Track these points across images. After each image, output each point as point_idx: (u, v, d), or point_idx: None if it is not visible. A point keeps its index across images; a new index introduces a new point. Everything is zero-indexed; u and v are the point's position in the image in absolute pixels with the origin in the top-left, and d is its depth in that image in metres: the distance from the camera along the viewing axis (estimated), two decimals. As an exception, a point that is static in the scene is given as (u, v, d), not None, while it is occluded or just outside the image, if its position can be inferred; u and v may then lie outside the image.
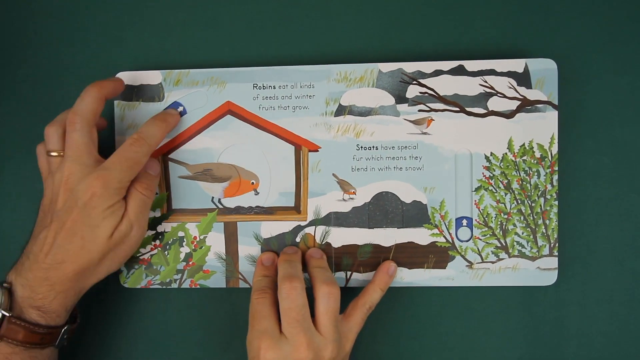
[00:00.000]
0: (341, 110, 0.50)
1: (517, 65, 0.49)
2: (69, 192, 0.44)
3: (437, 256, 0.50)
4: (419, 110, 0.50)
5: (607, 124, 0.51)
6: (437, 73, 0.50)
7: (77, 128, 0.45)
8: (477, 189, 0.50)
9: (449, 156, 0.50)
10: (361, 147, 0.50)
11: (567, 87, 0.50)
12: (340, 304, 0.46)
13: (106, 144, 0.53)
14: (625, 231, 0.51)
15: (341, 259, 0.51)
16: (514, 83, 0.49)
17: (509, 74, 0.49)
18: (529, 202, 0.50)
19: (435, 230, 0.50)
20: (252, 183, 0.51)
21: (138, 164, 0.46)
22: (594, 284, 0.51)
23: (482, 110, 0.50)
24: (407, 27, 0.52)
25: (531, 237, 0.50)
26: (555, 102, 0.49)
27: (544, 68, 0.49)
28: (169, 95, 0.51)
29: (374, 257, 0.51)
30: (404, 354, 0.52)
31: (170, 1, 0.53)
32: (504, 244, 0.50)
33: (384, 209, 0.50)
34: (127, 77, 0.51)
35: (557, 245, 0.50)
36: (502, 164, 0.50)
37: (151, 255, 0.52)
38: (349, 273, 0.51)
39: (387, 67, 0.50)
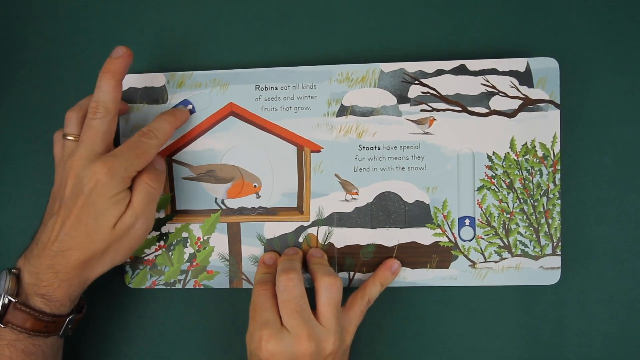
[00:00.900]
0: (343, 111, 0.50)
1: (518, 64, 0.49)
2: (75, 177, 0.44)
3: (440, 256, 0.50)
4: (421, 110, 0.50)
5: (608, 123, 0.51)
6: (439, 73, 0.50)
7: (99, 117, 0.45)
8: (480, 189, 0.50)
9: (451, 156, 0.50)
10: (363, 147, 0.50)
11: (569, 86, 0.50)
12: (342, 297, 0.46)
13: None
14: (626, 231, 0.51)
15: (344, 259, 0.51)
16: (516, 82, 0.49)
17: (511, 73, 0.49)
18: (532, 201, 0.50)
19: (438, 230, 0.50)
20: (255, 186, 0.51)
21: (146, 154, 0.45)
22: (595, 284, 0.51)
23: (484, 110, 0.50)
24: (409, 26, 0.52)
25: (534, 236, 0.50)
26: (557, 101, 0.49)
27: (545, 67, 0.49)
28: (173, 97, 0.51)
29: (377, 257, 0.51)
30: (404, 354, 0.52)
31: (172, 3, 0.53)
32: (507, 244, 0.50)
33: (386, 209, 0.50)
34: (131, 79, 0.51)
35: (559, 244, 0.49)
36: (504, 163, 0.50)
37: (156, 256, 0.52)
38: (351, 273, 0.51)
39: (389, 67, 0.50)
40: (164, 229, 0.52)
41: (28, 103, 0.54)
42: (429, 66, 0.50)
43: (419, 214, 0.50)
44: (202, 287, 0.52)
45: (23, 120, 0.54)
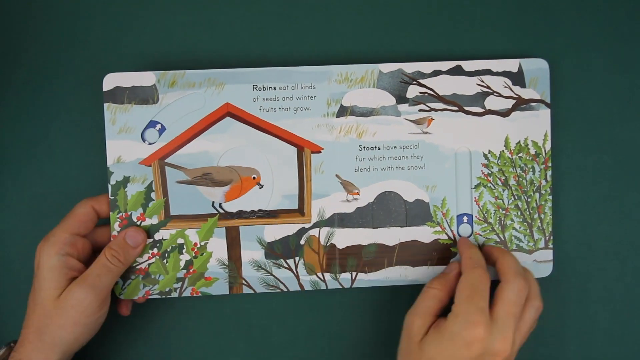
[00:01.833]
0: (343, 111, 0.50)
1: (511, 65, 0.51)
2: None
3: (440, 253, 0.51)
4: (420, 110, 0.51)
5: (598, 122, 0.53)
6: (436, 73, 0.51)
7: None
8: (477, 186, 0.51)
9: (449, 155, 0.51)
10: (364, 147, 0.50)
11: (560, 86, 0.52)
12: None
13: (97, 148, 0.50)
14: (623, 229, 0.53)
15: (346, 260, 0.51)
16: (509, 82, 0.51)
17: (505, 74, 0.51)
18: (525, 197, 0.51)
19: (438, 228, 0.51)
20: (254, 177, 0.50)
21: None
22: (594, 284, 0.53)
23: (479, 109, 0.51)
24: (407, 28, 0.52)
25: (528, 231, 0.51)
26: (548, 100, 0.51)
27: (536, 68, 0.51)
28: (164, 97, 0.49)
29: (379, 256, 0.51)
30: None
31: (163, -1, 0.51)
32: (503, 239, 0.51)
33: (387, 209, 0.51)
34: (117, 78, 0.48)
35: (552, 238, 0.52)
36: (499, 161, 0.51)
37: (149, 265, 0.49)
38: (354, 274, 0.51)
39: (388, 67, 0.50)
40: (157, 236, 0.50)
41: (27, 106, 0.51)
42: (427, 67, 0.50)
43: (419, 213, 0.51)
44: (199, 294, 0.50)
45: (22, 124, 0.52)
